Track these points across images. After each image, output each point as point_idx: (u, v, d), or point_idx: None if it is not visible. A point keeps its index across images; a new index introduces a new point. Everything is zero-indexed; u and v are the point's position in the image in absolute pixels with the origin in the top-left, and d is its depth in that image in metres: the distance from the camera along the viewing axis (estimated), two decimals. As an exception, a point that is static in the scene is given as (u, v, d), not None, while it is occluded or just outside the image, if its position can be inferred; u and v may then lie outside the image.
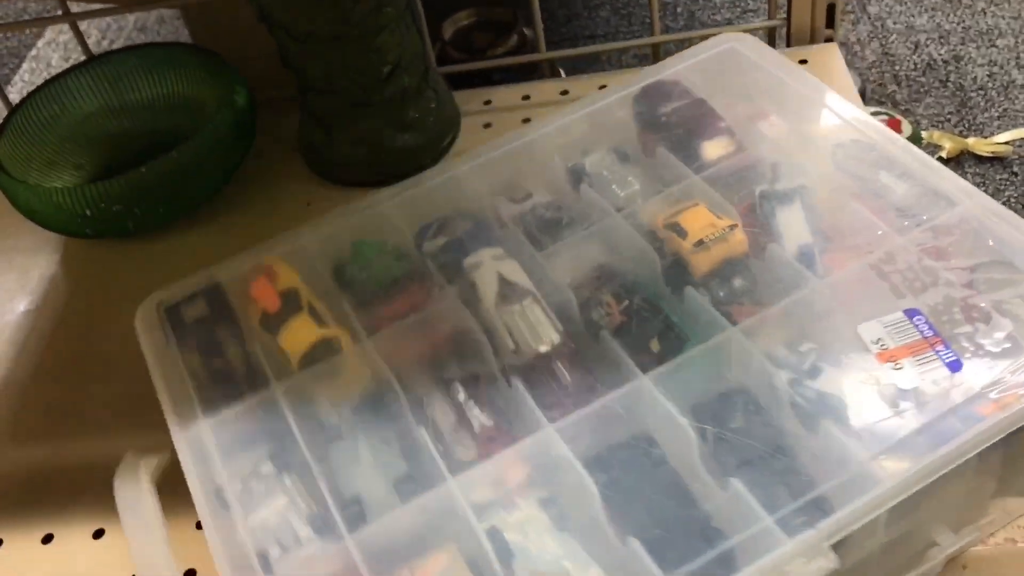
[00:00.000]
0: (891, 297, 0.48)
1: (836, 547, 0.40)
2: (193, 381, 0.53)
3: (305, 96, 0.70)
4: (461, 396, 0.48)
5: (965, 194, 0.52)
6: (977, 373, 0.44)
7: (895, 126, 0.93)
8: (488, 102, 0.80)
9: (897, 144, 0.55)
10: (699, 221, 0.53)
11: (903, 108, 1.00)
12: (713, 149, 0.58)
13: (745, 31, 0.65)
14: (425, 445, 0.47)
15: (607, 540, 0.42)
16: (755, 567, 0.39)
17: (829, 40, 0.78)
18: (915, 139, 0.93)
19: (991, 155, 0.93)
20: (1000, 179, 0.92)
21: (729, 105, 0.62)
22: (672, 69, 0.63)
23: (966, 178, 0.93)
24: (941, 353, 0.45)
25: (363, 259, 0.56)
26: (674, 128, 0.59)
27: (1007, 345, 0.45)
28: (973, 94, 0.99)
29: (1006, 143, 0.94)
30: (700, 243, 0.52)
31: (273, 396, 0.51)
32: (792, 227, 0.53)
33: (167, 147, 0.66)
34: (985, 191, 0.86)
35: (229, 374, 0.53)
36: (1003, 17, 1.06)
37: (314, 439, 0.49)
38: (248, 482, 0.49)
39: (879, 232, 0.51)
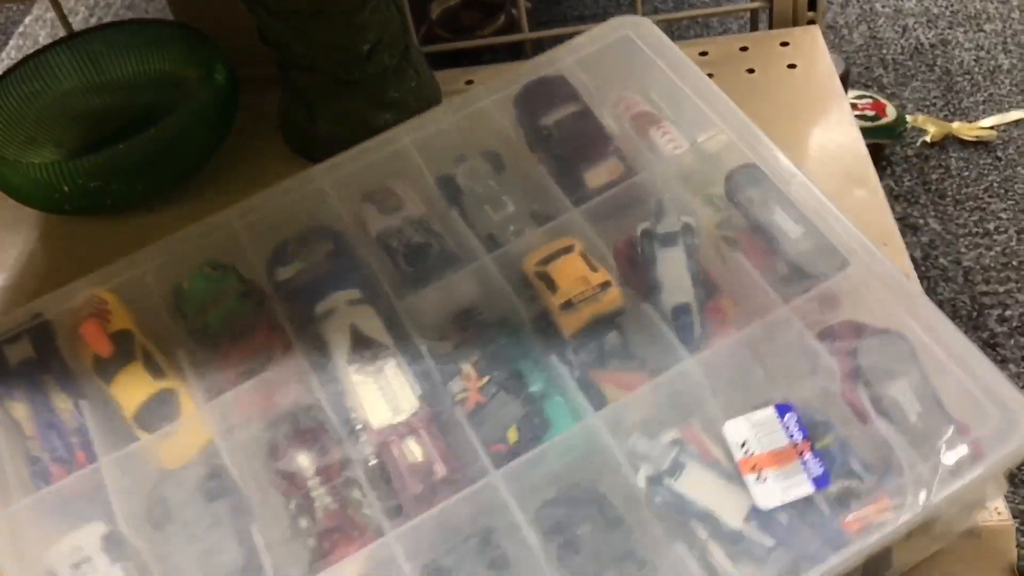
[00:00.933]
0: (764, 385, 0.45)
1: None
2: (15, 435, 0.49)
3: (286, 74, 0.66)
4: (292, 505, 0.45)
5: (860, 251, 0.47)
6: (845, 486, 0.42)
7: (880, 110, 0.92)
8: (470, 82, 0.73)
9: (794, 179, 0.50)
10: (571, 274, 0.48)
11: (889, 92, 0.98)
12: (598, 176, 0.52)
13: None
14: (258, 549, 0.43)
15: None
16: None
17: (812, 23, 0.74)
18: (900, 123, 0.93)
19: (975, 139, 0.93)
20: (984, 164, 0.91)
21: (621, 105, 0.56)
22: (560, 62, 0.56)
23: (950, 162, 0.91)
24: (808, 464, 0.42)
25: (200, 296, 0.51)
26: (556, 144, 0.53)
27: (883, 452, 0.42)
28: (959, 78, 0.98)
29: (990, 128, 0.94)
30: (568, 304, 0.47)
31: (100, 469, 0.47)
32: (671, 277, 0.48)
33: (148, 124, 0.64)
34: (968, 176, 0.88)
35: (58, 428, 0.49)
36: (991, 1, 1.04)
37: (148, 518, 0.46)
38: (78, 570, 0.45)
39: (764, 295, 0.47)
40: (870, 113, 0.90)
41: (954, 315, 0.80)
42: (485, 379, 0.46)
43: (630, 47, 0.56)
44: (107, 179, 0.65)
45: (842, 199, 0.54)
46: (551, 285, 0.48)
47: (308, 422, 0.47)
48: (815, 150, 0.63)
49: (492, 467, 0.43)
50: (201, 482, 0.47)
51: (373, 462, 0.45)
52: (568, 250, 0.49)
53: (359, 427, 0.46)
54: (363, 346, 0.48)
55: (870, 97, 0.92)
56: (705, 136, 0.53)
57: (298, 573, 0.43)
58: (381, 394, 0.47)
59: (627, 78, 0.56)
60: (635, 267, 0.49)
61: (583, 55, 0.56)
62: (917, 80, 0.98)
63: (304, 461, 0.46)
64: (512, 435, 0.44)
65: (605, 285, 0.48)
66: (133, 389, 0.49)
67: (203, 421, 0.48)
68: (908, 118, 0.93)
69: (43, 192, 0.65)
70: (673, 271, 0.49)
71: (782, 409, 0.43)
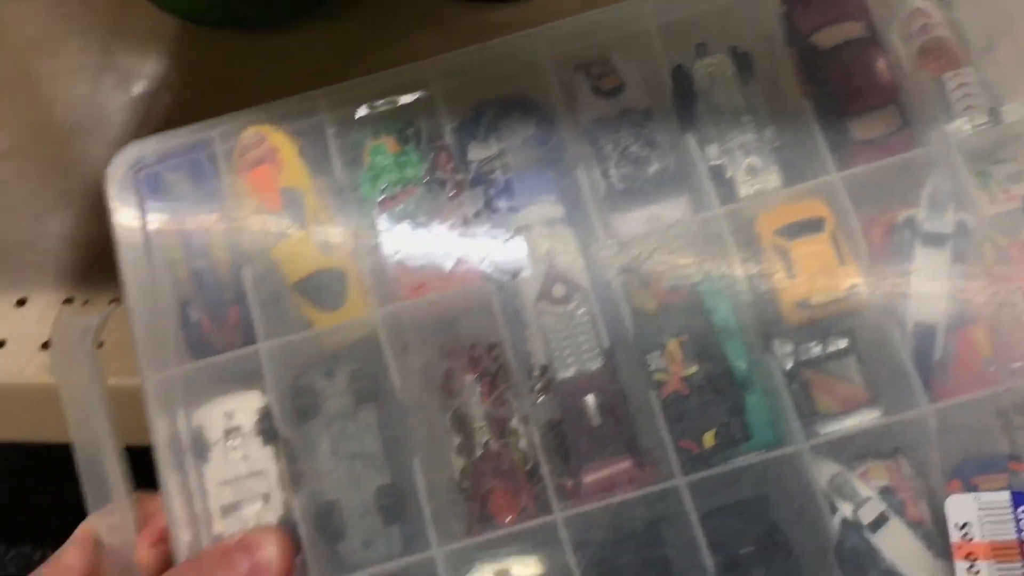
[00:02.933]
0: (1004, 459, 0.39)
1: None
2: (169, 281, 0.45)
3: None
4: (456, 442, 0.41)
5: None
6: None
7: None
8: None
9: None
10: (816, 264, 0.41)
11: None
12: (869, 127, 0.43)
13: None
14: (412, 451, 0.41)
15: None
16: None
17: None
18: None
19: None
20: None
21: (916, 22, 0.45)
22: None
23: None
24: (1031, 568, 0.38)
25: (379, 176, 0.45)
26: (825, 73, 0.44)
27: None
28: None
29: None
30: (806, 303, 0.41)
31: (256, 351, 0.43)
32: (924, 286, 0.42)
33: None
34: None
35: (212, 288, 0.45)
36: None
37: (295, 406, 0.43)
38: (230, 439, 0.43)
39: (1029, 342, 0.40)
40: None
41: None
42: (692, 369, 0.41)
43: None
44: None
45: None
46: (789, 268, 0.41)
47: (483, 355, 0.42)
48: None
49: (680, 471, 0.40)
50: (351, 380, 0.44)
51: (548, 418, 0.41)
52: (817, 226, 0.42)
53: (537, 374, 0.42)
54: (556, 281, 0.43)
55: None
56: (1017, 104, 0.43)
57: (454, 521, 0.41)
58: (568, 343, 0.42)
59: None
60: (886, 261, 0.42)
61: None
62: None
63: (474, 398, 0.42)
64: (709, 439, 0.40)
65: (853, 287, 0.41)
66: (298, 259, 0.44)
67: (369, 312, 0.43)
68: None
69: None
70: (928, 280, 0.42)
71: (1019, 498, 0.39)
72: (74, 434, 0.42)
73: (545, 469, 0.40)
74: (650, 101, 0.46)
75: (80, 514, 0.43)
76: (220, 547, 0.40)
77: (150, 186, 0.45)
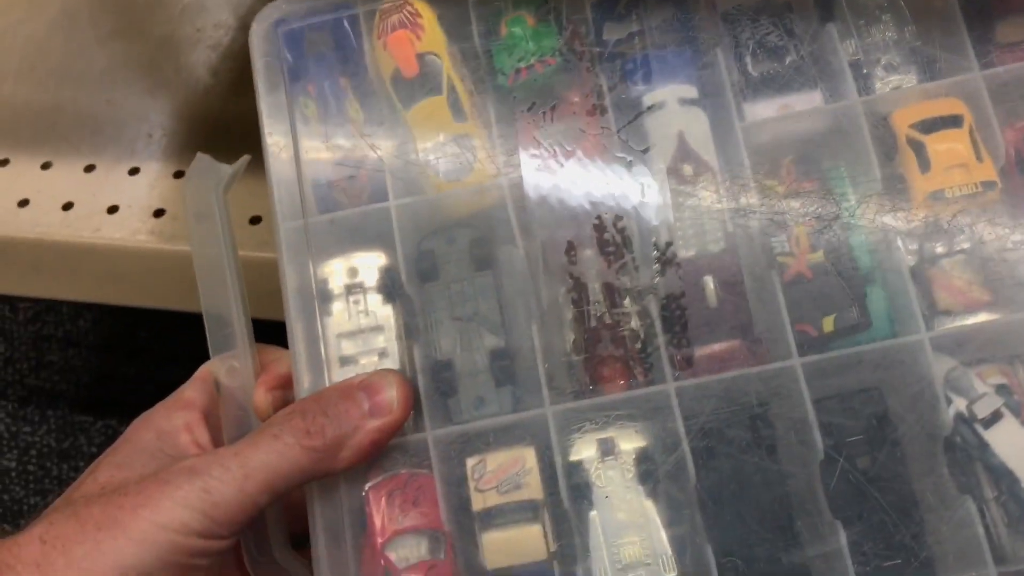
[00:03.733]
0: None
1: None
2: (305, 135, 0.46)
3: None
4: (569, 315, 0.42)
5: None
6: None
7: None
8: None
9: None
10: (952, 157, 0.41)
11: None
12: (1014, 32, 0.43)
13: None
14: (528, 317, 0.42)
15: (693, 538, 0.40)
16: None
17: None
18: None
19: None
20: None
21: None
22: None
23: None
24: None
25: (515, 50, 0.45)
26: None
27: None
28: None
29: None
30: (939, 195, 0.41)
31: (388, 208, 0.45)
32: (1063, 193, 0.41)
33: None
34: None
35: (347, 139, 0.46)
36: None
37: (417, 269, 0.44)
38: (352, 294, 0.45)
39: None
40: None
41: None
42: (819, 253, 0.41)
43: None
44: None
45: None
46: (924, 162, 0.41)
47: (608, 226, 0.43)
48: None
49: (796, 352, 0.40)
50: (474, 247, 0.45)
51: (667, 293, 0.42)
52: (955, 122, 0.42)
53: (659, 253, 0.42)
54: (686, 160, 0.43)
55: None
56: None
57: (566, 384, 0.42)
58: (692, 223, 0.43)
59: None
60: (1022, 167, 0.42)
61: None
62: None
63: (594, 270, 0.43)
64: (828, 324, 0.40)
65: (989, 185, 0.40)
66: (431, 122, 0.45)
67: (494, 178, 0.44)
68: None
69: None
70: (1067, 185, 0.41)
71: None
72: (200, 275, 0.44)
73: (661, 340, 0.41)
74: (790, -9, 0.46)
75: (169, 387, 0.45)
76: (343, 385, 0.41)
77: (291, 43, 0.47)
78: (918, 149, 0.41)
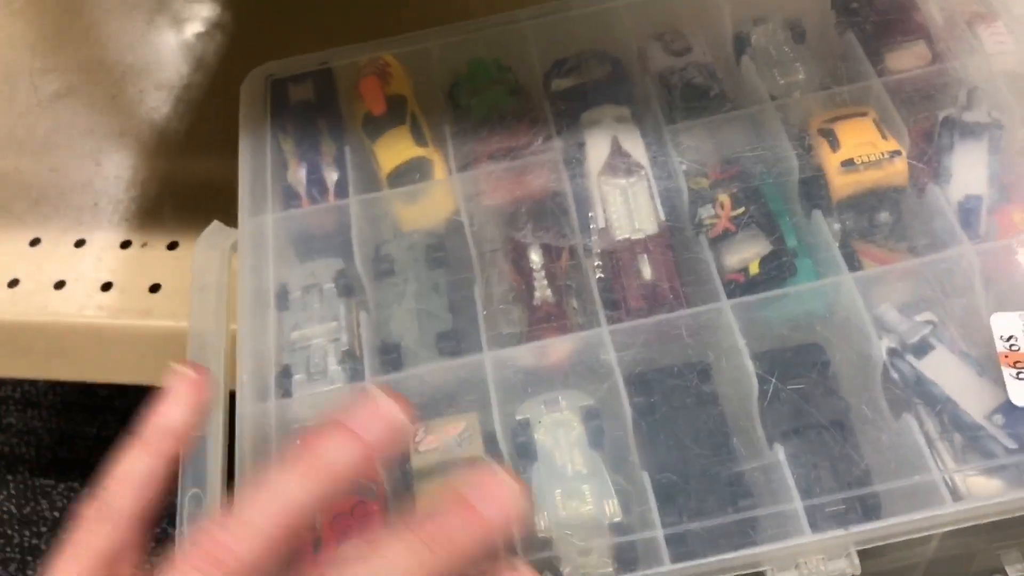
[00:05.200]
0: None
1: (866, 553, 0.36)
2: (279, 164, 0.51)
3: None
4: (534, 262, 0.44)
5: None
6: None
7: None
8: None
9: None
10: (859, 136, 0.45)
11: None
12: (900, 59, 0.49)
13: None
14: (473, 305, 0.44)
15: (632, 470, 0.39)
16: (766, 549, 0.35)
17: None
18: None
19: None
20: None
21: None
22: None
23: None
24: (1081, 376, 0.37)
25: (476, 82, 0.52)
26: (862, 19, 0.50)
27: None
28: None
29: None
30: (850, 163, 0.44)
31: (348, 207, 0.48)
32: (967, 169, 0.44)
33: None
34: None
35: (318, 169, 0.51)
36: None
37: (373, 270, 0.47)
38: (308, 293, 0.47)
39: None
40: None
41: None
42: (740, 210, 0.44)
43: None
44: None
45: None
46: (834, 142, 0.45)
47: (551, 210, 0.46)
48: None
49: (724, 295, 0.41)
50: (429, 251, 0.48)
51: (600, 275, 0.44)
52: (861, 115, 0.46)
53: (595, 229, 0.45)
54: (620, 159, 0.47)
55: None
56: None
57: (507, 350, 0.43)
58: (625, 208, 0.46)
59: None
60: (929, 149, 0.45)
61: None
62: None
63: (536, 246, 0.46)
64: (754, 267, 0.42)
65: (895, 153, 0.44)
66: (395, 150, 0.50)
67: (450, 193, 0.48)
68: None
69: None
70: (970, 164, 0.45)
71: (1064, 314, 0.39)
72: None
73: (596, 293, 0.43)
74: (713, 59, 0.53)
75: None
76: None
77: (275, 91, 0.53)
78: (828, 135, 0.45)
